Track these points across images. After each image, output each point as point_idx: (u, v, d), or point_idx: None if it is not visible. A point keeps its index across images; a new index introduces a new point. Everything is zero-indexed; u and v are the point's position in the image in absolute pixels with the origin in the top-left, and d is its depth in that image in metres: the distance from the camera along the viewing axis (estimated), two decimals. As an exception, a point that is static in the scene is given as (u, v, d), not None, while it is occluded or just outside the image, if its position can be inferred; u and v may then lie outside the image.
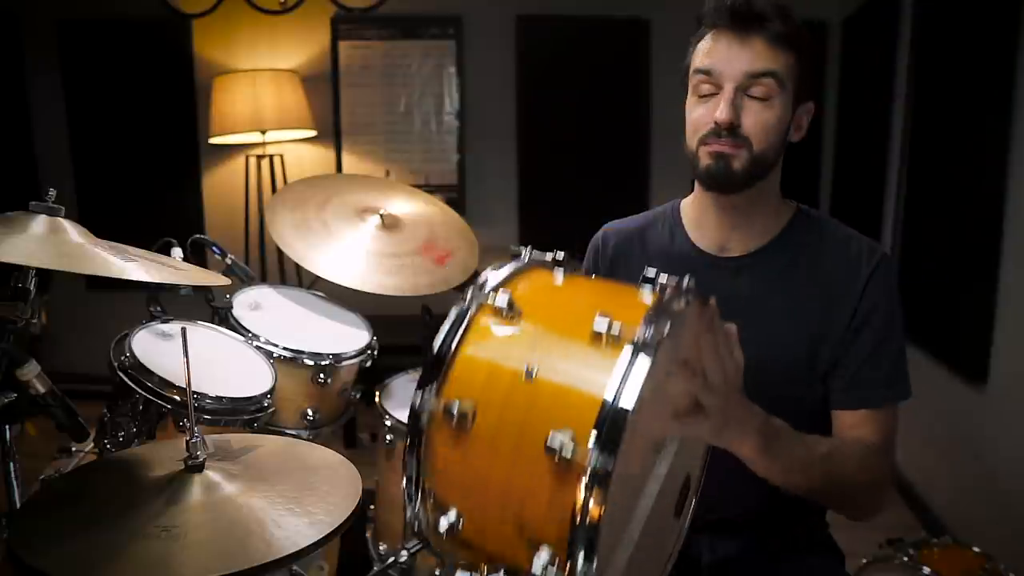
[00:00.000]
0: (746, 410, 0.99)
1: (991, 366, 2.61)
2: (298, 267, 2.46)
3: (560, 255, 1.03)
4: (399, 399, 2.01)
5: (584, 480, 0.78)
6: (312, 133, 4.14)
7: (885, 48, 3.50)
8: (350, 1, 3.47)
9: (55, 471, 1.48)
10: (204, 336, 1.73)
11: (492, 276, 0.97)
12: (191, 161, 4.36)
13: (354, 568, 2.02)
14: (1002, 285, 2.55)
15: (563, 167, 4.35)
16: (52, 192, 1.13)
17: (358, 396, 2.08)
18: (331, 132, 4.34)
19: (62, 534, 0.94)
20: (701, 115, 1.22)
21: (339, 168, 4.38)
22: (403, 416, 1.90)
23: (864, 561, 2.02)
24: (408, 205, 2.29)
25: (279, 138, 4.10)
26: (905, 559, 1.98)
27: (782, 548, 1.33)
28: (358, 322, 2.10)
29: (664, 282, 0.94)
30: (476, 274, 2.26)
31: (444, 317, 0.92)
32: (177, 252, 1.60)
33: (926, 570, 1.93)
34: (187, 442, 1.04)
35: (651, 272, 0.95)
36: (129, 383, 1.43)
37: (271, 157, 4.07)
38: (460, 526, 0.87)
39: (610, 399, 0.79)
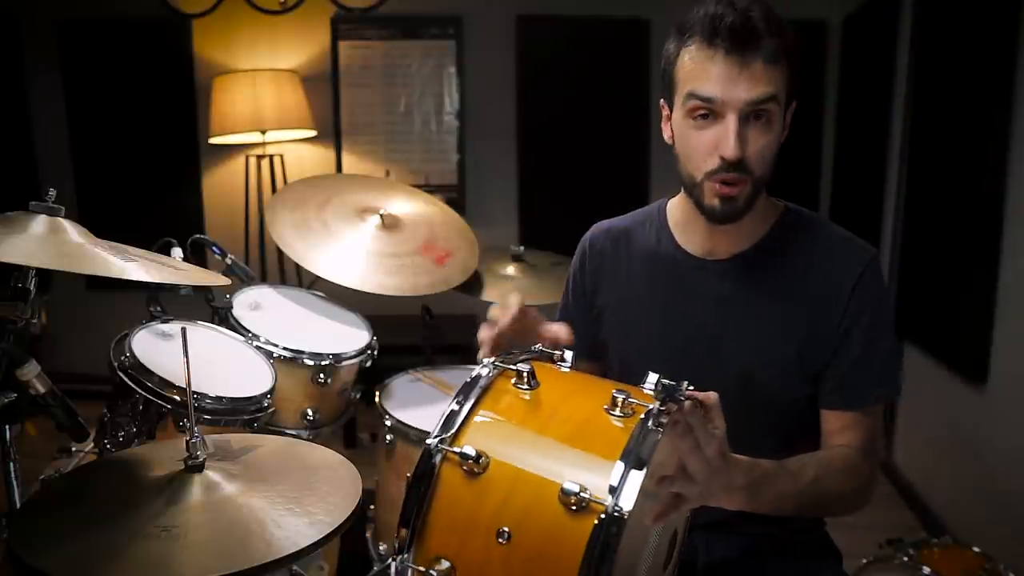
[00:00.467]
0: (729, 473, 0.99)
1: (991, 366, 2.61)
2: (298, 267, 2.46)
3: (525, 372, 0.98)
4: (399, 399, 2.01)
5: None
6: (312, 133, 4.14)
7: (885, 48, 3.50)
8: (350, 1, 3.47)
9: (55, 471, 1.48)
10: (204, 336, 1.73)
11: (459, 415, 0.94)
12: (191, 161, 4.36)
13: (354, 568, 2.02)
14: (1002, 285, 2.55)
15: (563, 167, 4.35)
16: (52, 192, 1.13)
17: (358, 396, 2.08)
18: (331, 132, 4.34)
19: (62, 534, 0.94)
20: (703, 145, 1.16)
21: (339, 168, 4.38)
22: (403, 416, 1.90)
23: (864, 561, 2.03)
24: (408, 205, 2.29)
25: (279, 138, 4.10)
26: (905, 559, 1.99)
27: (778, 549, 1.33)
28: (358, 322, 2.10)
29: (635, 404, 0.93)
30: (476, 275, 2.27)
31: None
32: (177, 252, 1.60)
33: (926, 570, 1.93)
34: (187, 442, 1.04)
35: (620, 395, 0.94)
36: (129, 383, 1.43)
37: (271, 157, 4.07)
38: None
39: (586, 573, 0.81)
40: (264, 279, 4.02)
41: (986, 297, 2.59)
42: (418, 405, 1.98)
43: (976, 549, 2.04)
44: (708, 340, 1.27)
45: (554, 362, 1.09)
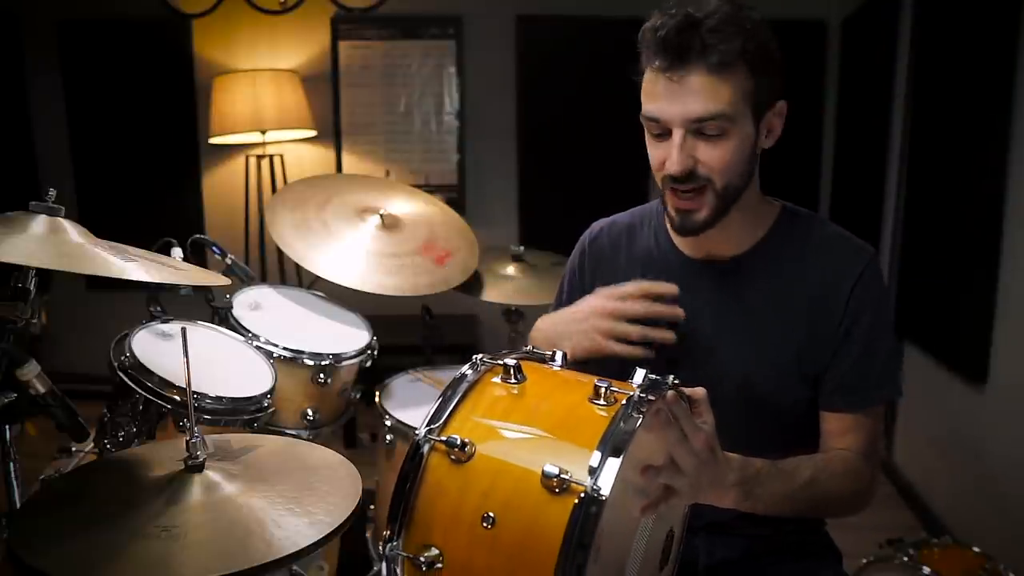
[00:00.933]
0: (721, 469, 1.00)
1: (991, 366, 2.61)
2: (298, 267, 2.46)
3: (511, 366, 1.01)
4: (399, 399, 2.01)
5: None
6: (312, 133, 4.14)
7: (885, 48, 3.50)
8: (350, 1, 3.47)
9: (55, 471, 1.48)
10: (204, 336, 1.73)
11: (446, 408, 0.97)
12: (191, 161, 4.36)
13: (354, 568, 2.02)
14: (1002, 285, 2.55)
15: (563, 167, 4.35)
16: (52, 192, 1.13)
17: (358, 396, 2.08)
18: (331, 132, 4.34)
19: (62, 534, 0.94)
20: (657, 157, 1.18)
21: (339, 168, 4.38)
22: (403, 416, 1.90)
23: (864, 561, 2.03)
24: (408, 205, 2.29)
25: (279, 138, 4.10)
26: (905, 559, 1.99)
27: (778, 550, 1.33)
28: (358, 322, 2.10)
29: (617, 393, 0.95)
30: (476, 275, 2.27)
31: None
32: (177, 252, 1.60)
33: (926, 570, 1.93)
34: (187, 442, 1.04)
35: (603, 384, 0.96)
36: (129, 383, 1.43)
37: (271, 157, 4.07)
38: None
39: (567, 555, 0.83)
40: (264, 279, 4.02)
41: (986, 297, 2.59)
42: (418, 405, 1.98)
43: (976, 549, 2.04)
44: (705, 342, 1.27)
45: (545, 362, 1.11)
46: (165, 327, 1.62)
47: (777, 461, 1.12)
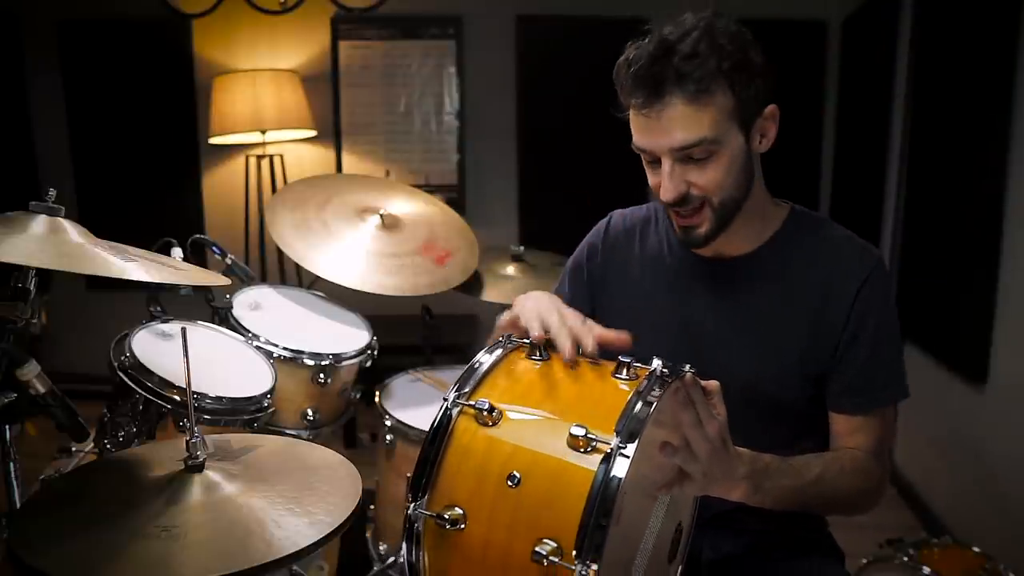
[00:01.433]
0: (732, 462, 1.01)
1: (991, 366, 2.61)
2: (298, 267, 2.46)
3: (539, 344, 1.05)
4: (399, 399, 2.01)
5: None
6: (312, 133, 4.14)
7: (885, 48, 3.50)
8: (350, 1, 3.47)
9: (55, 471, 1.48)
10: (204, 336, 1.73)
11: (474, 374, 1.00)
12: (191, 161, 4.36)
13: (354, 568, 2.02)
14: (1002, 285, 2.55)
15: (563, 167, 4.35)
16: (52, 192, 1.13)
17: (358, 396, 2.08)
18: (331, 132, 4.34)
19: (62, 534, 0.94)
20: (653, 183, 1.21)
21: (339, 168, 4.38)
22: (403, 416, 1.90)
23: (864, 561, 2.03)
24: (408, 205, 2.29)
25: (279, 138, 4.10)
26: (905, 559, 1.99)
27: (782, 546, 1.33)
28: (358, 322, 2.10)
29: (637, 368, 0.99)
30: (476, 275, 2.27)
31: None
32: (177, 252, 1.60)
33: (926, 570, 1.93)
34: (187, 442, 1.04)
35: (626, 358, 1.00)
36: (129, 383, 1.43)
37: (271, 157, 4.07)
38: None
39: (590, 511, 0.85)
40: (264, 279, 4.02)
41: (986, 297, 2.59)
42: (418, 405, 1.98)
43: (976, 549, 2.04)
44: (711, 339, 1.28)
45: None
46: (165, 327, 1.62)
47: (787, 457, 1.13)
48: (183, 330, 1.06)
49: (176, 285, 1.44)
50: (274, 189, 4.00)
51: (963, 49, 2.88)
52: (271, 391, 1.64)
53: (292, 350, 1.84)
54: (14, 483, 1.15)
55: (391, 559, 1.85)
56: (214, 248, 1.94)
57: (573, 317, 1.09)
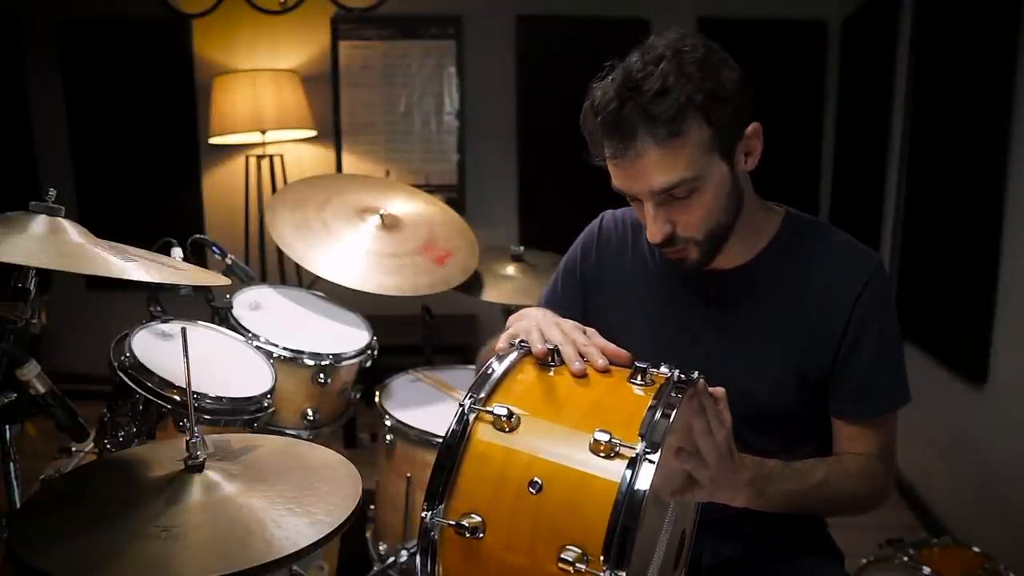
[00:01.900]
0: (737, 468, 1.01)
1: (991, 366, 2.61)
2: (298, 267, 2.46)
3: (551, 347, 1.03)
4: (399, 399, 2.01)
5: None
6: (312, 133, 4.14)
7: (885, 48, 3.50)
8: (350, 1, 3.47)
9: (55, 471, 1.48)
10: (204, 336, 1.73)
11: (488, 379, 0.98)
12: (191, 161, 4.36)
13: (354, 568, 2.02)
14: (1002, 285, 2.55)
15: (563, 167, 4.33)
16: (52, 192, 1.13)
17: (358, 396, 2.08)
18: (331, 132, 4.34)
19: (62, 534, 0.94)
20: (640, 218, 1.19)
21: (339, 168, 4.38)
22: (403, 416, 1.90)
23: (864, 561, 2.03)
24: (408, 205, 2.29)
25: (279, 138, 4.10)
26: (905, 559, 1.99)
27: (782, 549, 1.33)
28: (358, 322, 2.10)
29: (655, 374, 0.98)
30: (476, 275, 2.27)
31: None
32: (177, 252, 1.60)
33: (926, 570, 1.93)
34: (187, 442, 1.04)
35: (642, 364, 0.99)
36: (129, 383, 1.43)
37: (271, 157, 4.07)
38: None
39: (617, 517, 0.83)
40: (264, 279, 4.02)
41: (986, 297, 2.59)
42: (418, 405, 1.98)
43: (976, 549, 2.04)
44: (708, 349, 1.27)
45: None
46: (165, 327, 1.62)
47: (790, 462, 1.13)
48: (183, 330, 1.06)
49: (176, 285, 1.44)
50: (274, 189, 4.00)
51: (963, 49, 2.88)
52: (271, 391, 1.63)
53: (292, 350, 1.84)
54: (14, 483, 1.15)
55: (391, 559, 1.85)
56: (214, 248, 1.94)
57: (575, 330, 1.08)
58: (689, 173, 1.09)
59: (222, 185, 4.37)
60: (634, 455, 0.86)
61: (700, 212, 1.14)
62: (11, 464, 1.15)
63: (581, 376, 1.01)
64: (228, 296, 1.89)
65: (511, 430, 0.92)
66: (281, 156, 4.15)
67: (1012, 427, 2.52)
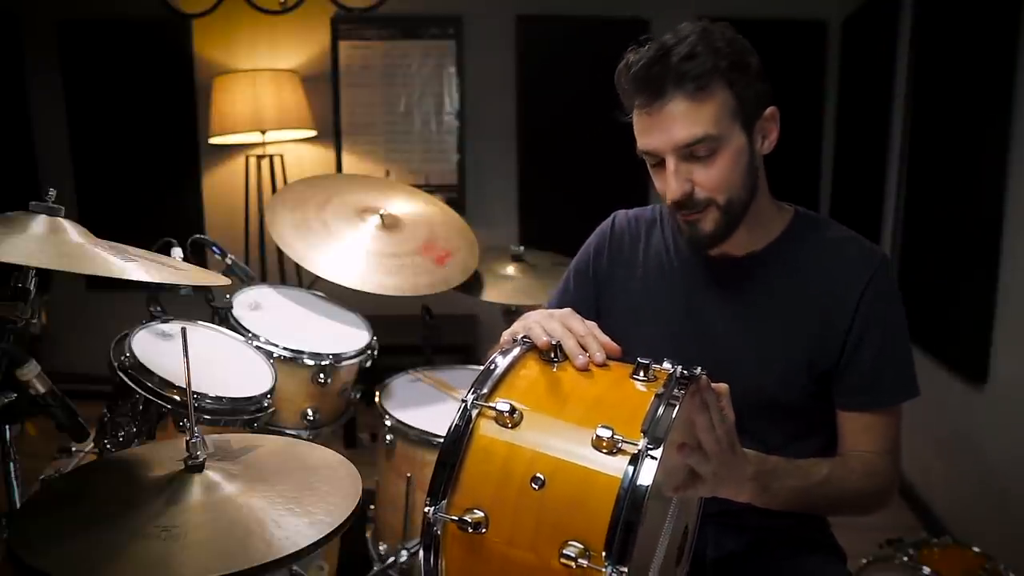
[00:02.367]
0: (739, 464, 1.02)
1: (991, 366, 2.61)
2: (298, 267, 2.46)
3: (554, 344, 1.04)
4: (399, 399, 2.01)
5: None
6: (312, 133, 4.14)
7: (885, 48, 3.50)
8: (350, 1, 3.47)
9: (55, 471, 1.48)
10: (204, 336, 1.73)
11: (491, 376, 0.98)
12: (191, 161, 4.36)
13: (354, 568, 2.02)
14: (1002, 285, 2.55)
15: (563, 167, 4.35)
16: (52, 192, 1.13)
17: (358, 396, 2.08)
18: (331, 132, 4.34)
19: (62, 534, 0.94)
20: (659, 186, 1.22)
21: (339, 168, 4.38)
22: (403, 416, 1.90)
23: (864, 561, 2.03)
24: (408, 205, 2.29)
25: (279, 138, 4.10)
26: (905, 559, 1.99)
27: (785, 544, 1.33)
28: (358, 322, 2.10)
29: (657, 370, 0.99)
30: (476, 275, 2.27)
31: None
32: (177, 252, 1.60)
33: (926, 570, 1.94)
34: (187, 442, 1.04)
35: (645, 360, 0.99)
36: (129, 383, 1.43)
37: (271, 157, 4.07)
38: None
39: (619, 513, 0.84)
40: (264, 279, 4.02)
41: (986, 297, 2.59)
42: (418, 405, 1.98)
43: (976, 549, 2.04)
44: (717, 338, 1.29)
45: None
46: (165, 327, 1.62)
47: (793, 459, 1.14)
48: (183, 330, 1.06)
49: (176, 285, 1.44)
50: (274, 189, 4.00)
51: (963, 49, 2.88)
52: (271, 391, 1.64)
53: (292, 350, 1.84)
54: (14, 483, 1.16)
55: (391, 559, 1.85)
56: (214, 248, 1.94)
57: (574, 319, 1.09)
58: (713, 130, 1.14)
59: (222, 185, 4.37)
60: (636, 451, 0.86)
61: (719, 174, 1.17)
62: (11, 464, 1.15)
63: (584, 370, 1.02)
64: (228, 296, 1.89)
65: (514, 426, 0.93)
66: (281, 156, 4.15)
67: (1012, 427, 2.52)
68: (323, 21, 4.23)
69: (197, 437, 1.04)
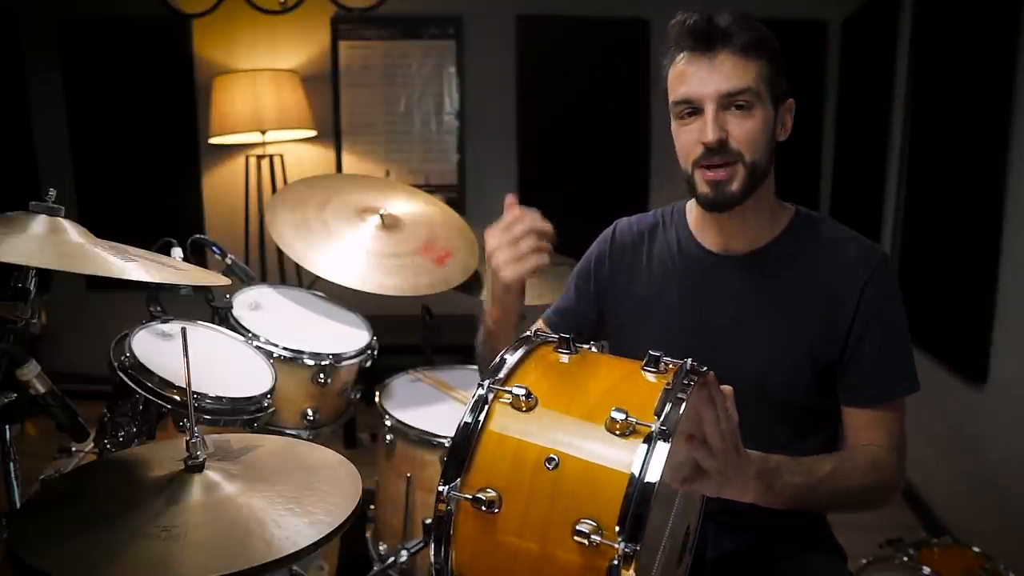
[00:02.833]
0: (743, 462, 1.03)
1: (991, 366, 2.61)
2: (298, 267, 2.46)
3: (568, 337, 1.06)
4: (399, 399, 2.01)
5: (614, 561, 0.84)
6: (312, 133, 4.14)
7: (885, 48, 3.50)
8: (350, 1, 3.47)
9: (55, 471, 1.48)
10: (204, 336, 1.73)
11: (505, 364, 1.00)
12: (191, 161, 4.36)
13: (354, 568, 2.02)
14: (1002, 285, 2.55)
15: (563, 167, 4.35)
16: (52, 192, 1.13)
17: (358, 396, 2.08)
18: (331, 132, 4.34)
19: (62, 534, 0.94)
20: (689, 138, 1.24)
21: (339, 168, 4.38)
22: (403, 416, 1.90)
23: (864, 561, 2.03)
24: (408, 205, 2.29)
25: (279, 138, 4.10)
26: (905, 559, 1.99)
27: (785, 543, 1.34)
28: (358, 322, 2.10)
29: (667, 362, 1.00)
30: (476, 275, 2.27)
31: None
32: (177, 252, 1.60)
33: (926, 570, 1.93)
34: (187, 442, 1.04)
35: (656, 352, 1.00)
36: (129, 383, 1.43)
37: (271, 157, 4.07)
38: None
39: (632, 491, 0.86)
40: (264, 279, 4.01)
41: (986, 297, 2.59)
42: (418, 405, 1.98)
43: (976, 549, 2.04)
44: (722, 333, 1.30)
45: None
46: (165, 327, 1.62)
47: (797, 457, 1.15)
48: (183, 330, 1.06)
49: (176, 285, 1.44)
50: (274, 189, 4.00)
51: (963, 49, 2.88)
52: (271, 391, 1.64)
53: (292, 350, 1.84)
54: (14, 483, 1.15)
55: (391, 559, 1.85)
56: (214, 248, 1.94)
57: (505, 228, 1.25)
58: (754, 85, 1.20)
59: (222, 185, 4.37)
60: (650, 432, 0.88)
61: (753, 128, 1.21)
62: (11, 464, 1.15)
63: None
64: (228, 296, 1.89)
65: (529, 409, 0.94)
66: (281, 156, 4.15)
67: (1012, 427, 2.52)
68: (323, 21, 4.23)
69: (197, 437, 1.04)
